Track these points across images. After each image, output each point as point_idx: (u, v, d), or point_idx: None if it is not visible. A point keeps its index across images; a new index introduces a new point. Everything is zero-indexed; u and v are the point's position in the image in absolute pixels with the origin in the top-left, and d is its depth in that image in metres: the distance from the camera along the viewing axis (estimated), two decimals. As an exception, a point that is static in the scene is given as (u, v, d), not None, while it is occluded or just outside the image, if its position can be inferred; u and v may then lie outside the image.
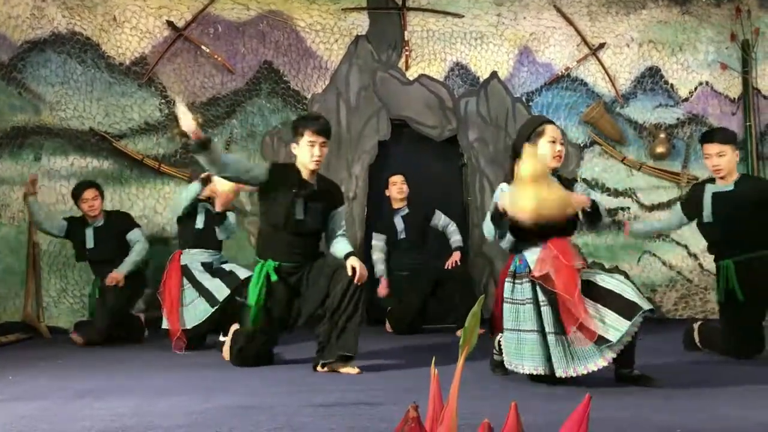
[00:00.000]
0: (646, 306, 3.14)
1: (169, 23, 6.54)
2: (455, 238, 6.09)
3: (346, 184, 6.51)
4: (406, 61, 6.86)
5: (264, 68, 6.68)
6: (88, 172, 6.26)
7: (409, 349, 4.84)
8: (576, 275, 3.22)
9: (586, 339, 3.16)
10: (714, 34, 7.20)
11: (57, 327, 6.03)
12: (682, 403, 2.91)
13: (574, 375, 3.18)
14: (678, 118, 7.11)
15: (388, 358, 4.38)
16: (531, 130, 3.46)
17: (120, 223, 5.64)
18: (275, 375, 3.76)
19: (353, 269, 3.78)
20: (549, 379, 3.25)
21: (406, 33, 6.88)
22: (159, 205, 6.41)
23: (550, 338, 3.21)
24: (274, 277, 3.94)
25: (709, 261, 6.97)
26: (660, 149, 6.97)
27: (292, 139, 4.16)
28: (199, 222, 5.29)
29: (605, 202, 6.99)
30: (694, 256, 6.98)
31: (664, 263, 6.97)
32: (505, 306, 3.38)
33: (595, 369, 3.18)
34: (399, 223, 6.11)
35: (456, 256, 5.96)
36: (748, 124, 7.02)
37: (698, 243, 7.00)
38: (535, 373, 3.25)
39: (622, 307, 3.14)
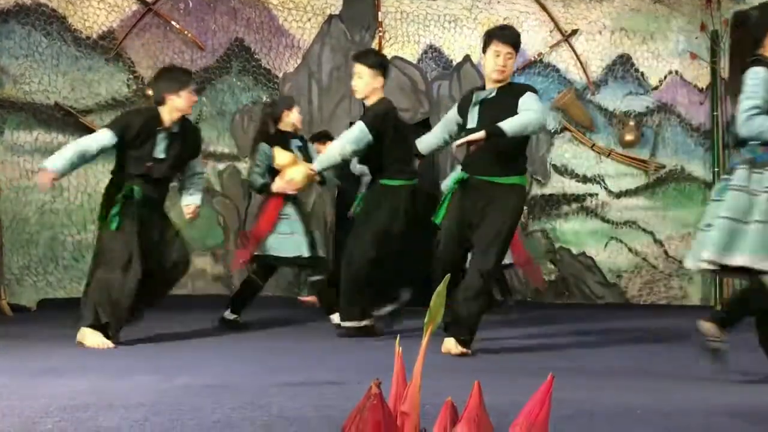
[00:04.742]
0: None
1: (138, -3, 6.40)
2: None
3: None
4: (380, 43, 6.81)
5: (235, 46, 6.59)
6: (54, 148, 6.09)
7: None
8: None
9: None
10: (684, 23, 7.26)
11: (19, 305, 5.92)
12: (643, 384, 2.95)
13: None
14: (647, 107, 7.18)
15: (355, 336, 4.37)
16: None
17: None
18: (241, 354, 3.74)
19: None
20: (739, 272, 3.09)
21: (379, 14, 6.83)
22: (126, 182, 6.30)
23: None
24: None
25: (674, 248, 7.13)
26: (629, 137, 7.05)
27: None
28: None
29: (573, 188, 7.06)
30: (660, 243, 7.09)
31: (630, 249, 7.06)
32: (731, 194, 3.05)
33: None
34: None
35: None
36: (715, 113, 7.11)
37: (664, 230, 7.13)
38: (746, 266, 2.97)
39: None
